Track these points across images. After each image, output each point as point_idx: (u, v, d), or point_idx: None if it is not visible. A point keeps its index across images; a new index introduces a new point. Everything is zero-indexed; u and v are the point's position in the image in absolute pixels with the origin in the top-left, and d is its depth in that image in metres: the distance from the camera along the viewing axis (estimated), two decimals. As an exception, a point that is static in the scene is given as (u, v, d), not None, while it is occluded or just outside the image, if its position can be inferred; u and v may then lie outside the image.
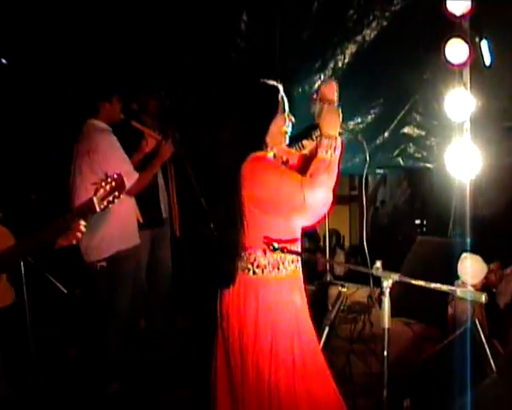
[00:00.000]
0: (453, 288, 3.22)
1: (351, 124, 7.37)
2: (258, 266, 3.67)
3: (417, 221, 9.74)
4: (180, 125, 6.37)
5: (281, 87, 3.81)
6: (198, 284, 6.85)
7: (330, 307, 5.36)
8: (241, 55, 7.55)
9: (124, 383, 5.69)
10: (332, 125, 3.62)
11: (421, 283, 3.21)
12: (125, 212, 5.58)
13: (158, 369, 6.09)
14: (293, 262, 3.77)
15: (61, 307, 6.44)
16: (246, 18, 7.36)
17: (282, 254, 3.68)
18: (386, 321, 3.37)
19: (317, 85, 7.33)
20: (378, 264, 3.35)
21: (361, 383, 5.54)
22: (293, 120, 3.80)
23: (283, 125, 3.75)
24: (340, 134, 3.66)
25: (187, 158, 5.99)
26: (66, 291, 4.48)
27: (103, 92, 5.59)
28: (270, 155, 3.77)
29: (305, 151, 4.08)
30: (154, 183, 6.19)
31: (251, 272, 3.67)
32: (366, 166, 3.96)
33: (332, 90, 3.80)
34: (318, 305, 5.90)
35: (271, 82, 3.79)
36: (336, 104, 3.75)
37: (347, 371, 5.65)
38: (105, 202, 3.80)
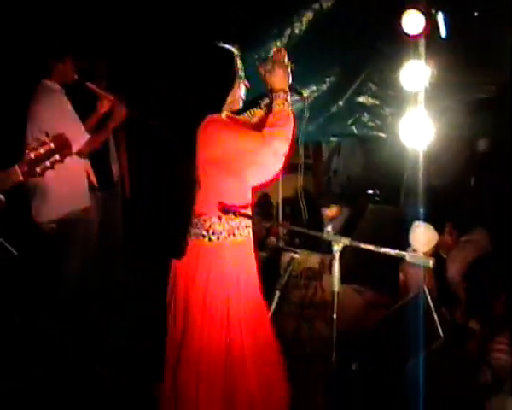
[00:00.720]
0: (402, 252, 3.28)
1: (306, 92, 7.34)
2: (213, 233, 3.70)
3: (370, 191, 9.78)
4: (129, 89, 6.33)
5: (236, 52, 3.82)
6: (149, 245, 6.86)
7: (282, 273, 5.39)
8: (195, 19, 7.49)
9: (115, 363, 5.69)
10: (284, 79, 3.66)
11: (371, 247, 3.27)
12: (76, 173, 5.56)
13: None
14: (246, 227, 3.82)
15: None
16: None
17: (237, 220, 3.71)
18: (336, 284, 3.42)
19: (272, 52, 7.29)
20: (329, 228, 3.39)
21: (311, 348, 5.61)
22: (247, 85, 3.81)
23: (240, 93, 3.77)
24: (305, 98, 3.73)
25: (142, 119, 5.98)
26: (16, 253, 4.42)
27: (56, 52, 5.53)
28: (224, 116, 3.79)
29: (255, 119, 4.11)
30: (105, 145, 6.17)
31: (206, 238, 3.70)
32: (303, 123, 3.98)
33: (282, 54, 3.82)
34: (270, 271, 5.91)
35: (226, 46, 3.79)
36: (284, 61, 3.78)
37: (297, 336, 5.70)
38: (38, 169, 3.33)
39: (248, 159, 3.54)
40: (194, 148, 3.62)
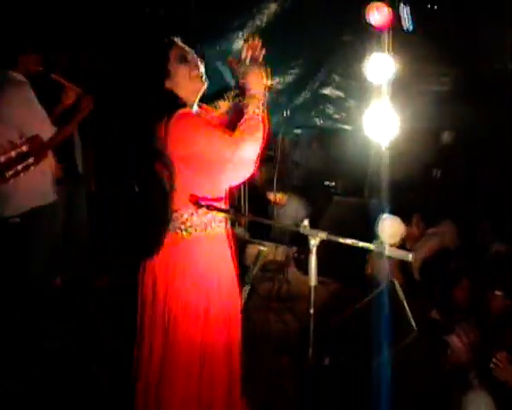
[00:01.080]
0: (382, 247, 3.26)
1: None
2: (190, 226, 3.65)
3: (327, 183, 9.80)
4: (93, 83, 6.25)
5: (178, 39, 3.75)
6: (116, 240, 6.80)
7: (251, 266, 5.38)
8: (155, 12, 7.44)
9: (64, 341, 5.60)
10: (259, 81, 3.60)
11: (349, 241, 3.24)
12: (41, 168, 5.43)
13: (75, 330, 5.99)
14: (221, 222, 3.77)
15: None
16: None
17: (211, 215, 3.67)
18: (313, 279, 3.38)
19: (235, 45, 7.25)
20: (305, 222, 3.36)
21: (280, 341, 5.60)
22: (198, 62, 3.74)
23: (189, 73, 3.69)
24: (269, 89, 3.66)
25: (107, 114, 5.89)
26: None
27: (20, 43, 5.41)
28: (195, 110, 3.73)
29: (221, 110, 4.06)
30: (70, 138, 6.06)
31: (182, 232, 3.66)
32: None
33: (255, 47, 3.77)
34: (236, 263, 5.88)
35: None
36: (260, 60, 3.73)
37: (265, 329, 5.69)
38: (9, 173, 3.05)
39: (219, 163, 3.49)
40: (165, 142, 3.57)
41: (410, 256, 3.07)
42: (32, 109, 5.20)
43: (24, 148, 3.05)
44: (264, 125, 3.53)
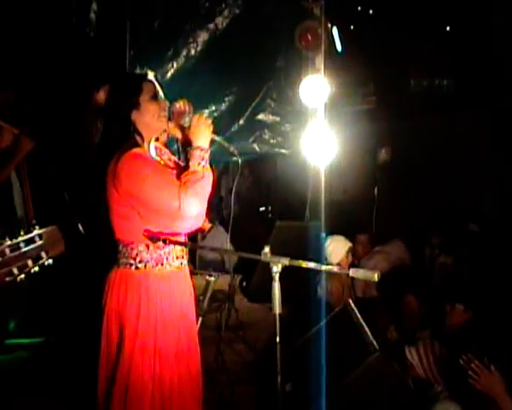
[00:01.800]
0: (346, 270, 3.26)
1: (205, 112, 7.32)
2: (140, 261, 3.59)
3: (262, 208, 9.81)
4: (30, 121, 6.12)
5: (149, 74, 3.73)
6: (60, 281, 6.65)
7: (200, 297, 5.31)
8: (91, 44, 7.36)
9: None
10: (203, 136, 3.59)
11: (312, 265, 3.24)
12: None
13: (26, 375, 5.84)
14: (177, 258, 3.71)
15: None
16: (96, 7, 7.17)
17: (167, 250, 3.62)
18: (277, 306, 3.37)
19: (169, 74, 7.25)
20: (266, 249, 3.35)
21: (235, 372, 5.54)
22: (166, 105, 3.72)
23: (159, 112, 3.66)
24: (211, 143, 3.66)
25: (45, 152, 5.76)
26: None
27: None
28: (152, 150, 3.67)
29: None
30: (7, 181, 5.90)
31: (133, 266, 3.59)
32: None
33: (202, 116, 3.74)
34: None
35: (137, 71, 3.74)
36: (206, 116, 3.73)
37: (220, 361, 5.62)
38: (15, 270, 2.39)
39: (167, 214, 3.47)
40: (114, 179, 3.51)
41: (375, 276, 3.07)
42: None
43: (37, 239, 2.44)
44: (205, 182, 3.51)
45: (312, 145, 6.64)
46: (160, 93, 3.71)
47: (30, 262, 2.34)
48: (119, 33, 7.14)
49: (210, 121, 3.66)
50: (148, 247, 3.59)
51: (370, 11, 8.27)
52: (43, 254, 2.37)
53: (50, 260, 2.39)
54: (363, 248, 6.75)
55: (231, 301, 6.99)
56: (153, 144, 3.68)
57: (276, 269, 3.30)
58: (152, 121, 3.65)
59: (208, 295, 4.99)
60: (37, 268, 2.37)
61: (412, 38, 8.09)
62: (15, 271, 2.32)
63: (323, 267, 3.25)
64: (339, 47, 6.65)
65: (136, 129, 3.62)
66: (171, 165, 3.79)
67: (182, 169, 3.68)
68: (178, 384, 3.68)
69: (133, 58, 7.15)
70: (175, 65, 7.20)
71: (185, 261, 3.78)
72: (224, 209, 10.74)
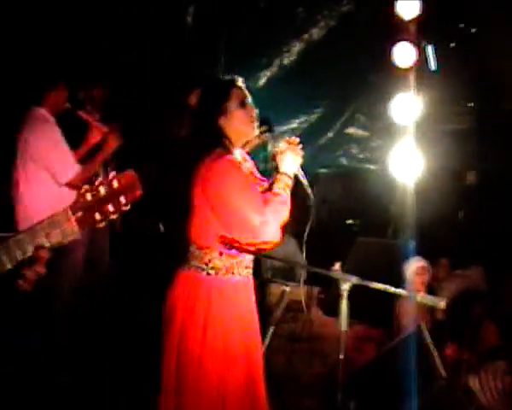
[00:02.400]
0: (413, 293, 3.23)
1: (295, 122, 7.37)
2: (212, 268, 3.60)
3: (349, 221, 9.74)
4: (124, 118, 6.25)
5: (238, 81, 3.76)
6: (137, 280, 6.78)
7: (273, 307, 5.33)
8: (187, 48, 7.49)
9: (74, 375, 5.56)
10: (293, 165, 3.60)
11: (381, 286, 3.20)
12: (66, 204, 5.40)
13: (101, 364, 5.96)
14: (246, 268, 3.72)
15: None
16: (193, 11, 7.30)
17: (238, 259, 3.63)
18: (343, 324, 3.34)
19: (262, 81, 7.31)
20: (337, 266, 3.34)
21: (304, 383, 5.53)
22: (256, 112, 3.75)
23: (247, 119, 3.69)
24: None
25: (132, 150, 5.85)
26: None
27: (49, 79, 5.40)
28: (237, 156, 3.70)
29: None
30: (94, 176, 6.04)
31: (204, 271, 3.60)
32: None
33: (295, 143, 3.75)
34: (259, 303, 5.84)
35: (227, 76, 3.74)
36: (300, 147, 3.71)
37: (291, 371, 5.63)
38: (97, 215, 2.30)
39: (243, 229, 3.49)
40: (198, 181, 3.56)
41: (441, 303, 3.03)
42: (58, 147, 5.18)
43: (115, 183, 2.33)
44: (285, 208, 3.53)
45: (400, 162, 6.57)
46: (249, 99, 3.73)
47: (111, 207, 2.29)
48: (213, 38, 7.24)
49: (302, 152, 3.67)
50: (221, 254, 3.60)
51: (472, 30, 8.13)
52: (122, 199, 2.30)
53: (128, 206, 2.29)
54: (443, 271, 6.63)
55: (307, 312, 7.00)
56: (238, 150, 3.72)
57: (345, 287, 3.27)
58: (239, 127, 3.67)
59: (282, 305, 4.98)
60: (116, 215, 2.31)
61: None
62: (98, 216, 2.29)
63: (392, 289, 3.20)
64: (433, 65, 6.56)
65: (224, 134, 3.65)
66: (253, 173, 3.83)
67: (259, 182, 3.71)
68: (245, 389, 3.70)
69: (226, 64, 7.24)
70: (268, 73, 7.27)
71: (251, 271, 3.80)
72: (312, 219, 10.73)
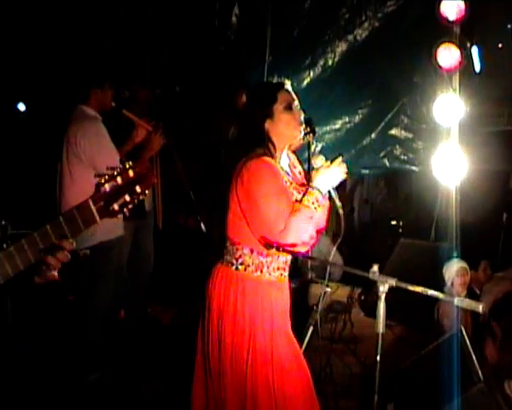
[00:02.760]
0: (450, 297, 3.21)
1: (338, 123, 7.35)
2: (241, 263, 3.66)
3: (393, 222, 9.70)
4: (169, 117, 6.31)
5: (286, 84, 3.78)
6: (180, 276, 6.83)
7: (314, 307, 5.33)
8: (231, 48, 7.53)
9: (103, 373, 5.63)
10: (327, 183, 3.62)
11: (418, 289, 3.19)
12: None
13: (137, 360, 6.02)
14: (278, 269, 3.74)
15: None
16: (238, 11, 7.33)
17: (269, 259, 3.66)
18: (381, 326, 3.33)
19: (306, 82, 7.32)
20: (375, 268, 3.32)
21: (342, 384, 5.53)
22: (302, 119, 3.77)
23: (293, 122, 3.72)
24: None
25: (176, 150, 5.90)
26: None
27: (95, 78, 5.47)
28: (284, 161, 3.75)
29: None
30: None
31: (234, 266, 3.68)
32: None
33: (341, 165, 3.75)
34: (299, 303, 5.86)
35: (275, 80, 3.78)
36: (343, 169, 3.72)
37: (328, 372, 5.63)
38: (115, 206, 2.40)
39: (267, 232, 3.52)
40: (236, 180, 3.61)
41: (480, 307, 3.01)
42: (104, 145, 5.26)
43: (131, 173, 2.43)
44: (312, 221, 3.55)
45: (443, 164, 6.54)
46: (296, 103, 3.76)
47: (127, 197, 2.41)
48: (259, 38, 7.27)
49: (341, 174, 3.69)
50: (252, 251, 3.66)
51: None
52: (137, 188, 2.40)
53: (143, 195, 2.43)
54: (485, 273, 6.58)
55: (348, 313, 6.99)
56: (285, 155, 3.76)
57: (383, 289, 3.27)
58: (285, 131, 3.71)
59: (321, 305, 4.99)
60: (132, 204, 2.42)
61: None
62: (116, 206, 2.40)
63: (429, 292, 3.19)
64: (477, 67, 6.50)
65: (269, 137, 3.68)
66: (300, 179, 3.85)
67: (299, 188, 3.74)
68: (276, 384, 3.72)
69: (271, 64, 7.26)
70: (311, 74, 7.26)
71: (286, 273, 3.82)
72: (356, 220, 10.72)
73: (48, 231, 2.33)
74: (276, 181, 3.60)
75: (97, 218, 2.40)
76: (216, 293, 3.73)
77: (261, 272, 3.67)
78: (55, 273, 2.39)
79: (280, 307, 3.81)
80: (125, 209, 2.42)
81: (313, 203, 3.54)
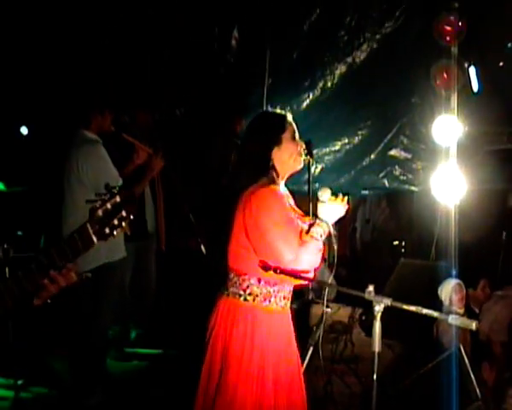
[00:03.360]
0: (444, 315, 3.24)
1: (338, 144, 7.39)
2: (250, 294, 3.65)
3: (395, 242, 9.71)
4: (168, 140, 6.36)
5: (289, 115, 3.82)
6: (182, 298, 6.84)
7: (314, 327, 5.37)
8: (230, 70, 7.58)
9: (103, 395, 5.64)
10: (334, 217, 3.68)
11: (413, 308, 3.22)
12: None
13: (139, 384, 6.03)
14: (284, 298, 3.76)
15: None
16: (237, 34, 7.39)
17: (276, 288, 3.67)
18: (377, 345, 3.36)
19: (305, 104, 7.38)
20: (370, 288, 3.35)
21: (342, 403, 5.54)
22: (303, 147, 3.82)
23: (296, 153, 3.76)
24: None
25: (175, 172, 5.95)
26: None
27: (95, 104, 5.52)
28: (282, 188, 3.78)
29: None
30: (141, 196, 6.14)
31: (242, 298, 3.66)
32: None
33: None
34: (300, 324, 5.88)
35: (278, 111, 3.82)
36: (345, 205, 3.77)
37: (329, 392, 5.64)
38: (107, 229, 2.61)
39: (277, 262, 3.55)
40: (243, 209, 3.63)
41: (473, 325, 3.04)
42: (106, 168, 5.29)
43: (117, 198, 2.66)
44: (318, 255, 3.61)
45: (442, 184, 6.57)
46: (297, 135, 3.81)
47: (116, 221, 2.60)
48: (258, 61, 7.32)
49: (343, 210, 3.75)
50: (259, 281, 3.65)
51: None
52: (124, 213, 2.62)
53: (128, 219, 2.63)
54: (484, 293, 6.58)
55: (349, 333, 7.01)
56: (283, 183, 3.81)
57: (378, 308, 3.30)
58: (289, 160, 3.74)
59: (322, 325, 5.01)
60: (119, 229, 2.61)
61: None
62: (107, 230, 2.59)
63: (424, 311, 3.22)
64: (475, 87, 6.54)
65: (273, 165, 3.72)
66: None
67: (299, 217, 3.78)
68: None
69: (271, 86, 7.32)
70: (311, 95, 7.32)
71: (289, 303, 3.84)
72: (358, 240, 10.74)
73: (53, 253, 2.50)
74: (285, 210, 3.63)
75: (95, 240, 2.57)
76: (221, 326, 3.73)
77: (269, 301, 3.68)
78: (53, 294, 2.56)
79: (289, 337, 3.85)
80: (114, 232, 2.61)
81: (321, 236, 3.60)
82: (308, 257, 3.54)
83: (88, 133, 5.44)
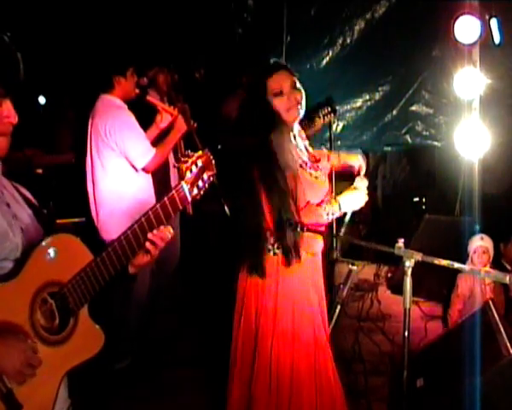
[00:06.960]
0: (477, 269, 3.21)
1: (359, 101, 7.31)
2: (278, 248, 3.65)
3: (416, 199, 9.65)
4: (189, 100, 6.29)
5: (281, 66, 3.78)
6: (209, 262, 6.82)
7: (341, 286, 5.34)
8: (248, 30, 7.51)
9: (132, 360, 5.64)
10: (350, 204, 3.73)
11: (444, 262, 3.19)
12: (144, 190, 5.40)
13: (166, 347, 6.02)
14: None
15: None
16: (254, -7, 7.33)
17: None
18: (408, 301, 3.34)
19: (324, 61, 7.29)
20: (400, 243, 3.33)
21: (371, 362, 5.52)
22: (300, 96, 3.75)
23: (285, 106, 3.70)
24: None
25: (198, 133, 5.85)
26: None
27: (118, 66, 5.34)
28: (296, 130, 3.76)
29: (316, 127, 4.07)
30: (165, 161, 6.03)
31: (271, 252, 3.65)
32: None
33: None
34: (327, 282, 5.87)
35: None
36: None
37: (357, 350, 5.63)
38: (195, 190, 2.62)
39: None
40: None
41: (507, 278, 3.00)
42: (134, 133, 5.20)
43: (199, 162, 2.65)
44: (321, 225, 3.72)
45: (466, 138, 6.49)
46: (290, 82, 3.74)
47: (200, 183, 2.61)
48: (276, 19, 7.24)
49: (363, 202, 3.75)
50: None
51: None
52: (205, 176, 2.62)
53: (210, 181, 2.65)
54: (515, 248, 6.47)
55: (375, 291, 7.00)
56: (296, 126, 3.78)
57: (409, 264, 3.27)
58: (282, 114, 3.71)
59: (349, 284, 4.98)
60: (203, 190, 2.64)
61: None
62: (195, 191, 2.60)
63: (456, 265, 3.19)
64: (497, 39, 6.42)
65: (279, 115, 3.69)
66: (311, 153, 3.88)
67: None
68: (305, 373, 3.72)
69: (290, 44, 7.23)
70: (330, 52, 7.23)
71: (318, 251, 3.83)
72: (379, 197, 10.68)
73: (151, 217, 2.53)
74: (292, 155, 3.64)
75: (189, 199, 2.60)
76: (253, 281, 3.72)
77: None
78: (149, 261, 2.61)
79: (319, 285, 3.85)
80: (202, 192, 2.64)
81: (328, 214, 3.59)
82: (308, 221, 3.55)
83: (112, 98, 5.33)
